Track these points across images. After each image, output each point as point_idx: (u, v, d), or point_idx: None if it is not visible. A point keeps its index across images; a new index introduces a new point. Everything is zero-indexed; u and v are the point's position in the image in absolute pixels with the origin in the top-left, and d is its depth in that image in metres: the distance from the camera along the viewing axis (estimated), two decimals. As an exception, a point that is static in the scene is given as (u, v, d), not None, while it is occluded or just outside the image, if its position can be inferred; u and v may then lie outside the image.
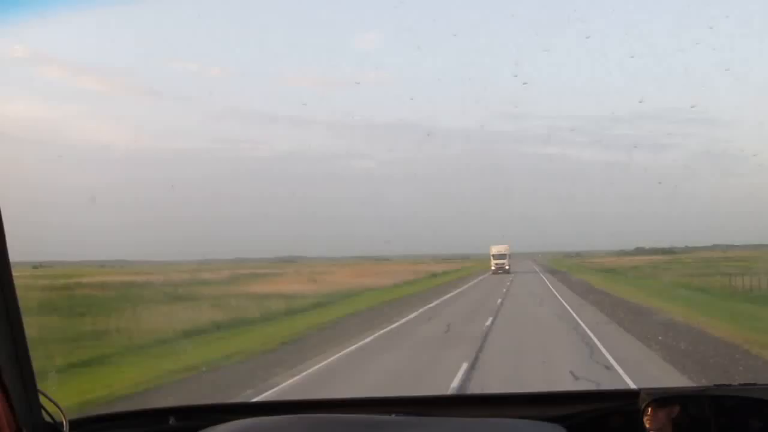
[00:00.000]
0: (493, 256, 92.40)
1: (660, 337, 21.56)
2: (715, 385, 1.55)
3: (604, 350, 19.32)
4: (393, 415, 1.56)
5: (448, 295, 47.03)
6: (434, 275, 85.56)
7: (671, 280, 55.95)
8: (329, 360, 18.83)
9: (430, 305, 38.04)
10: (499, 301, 39.85)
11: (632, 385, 12.94)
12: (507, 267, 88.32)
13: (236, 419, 1.59)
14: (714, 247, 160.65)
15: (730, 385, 1.56)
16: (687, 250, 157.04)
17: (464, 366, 16.76)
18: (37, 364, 2.28)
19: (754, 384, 1.54)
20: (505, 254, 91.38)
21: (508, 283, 60.77)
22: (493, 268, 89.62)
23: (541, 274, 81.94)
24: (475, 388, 14.33)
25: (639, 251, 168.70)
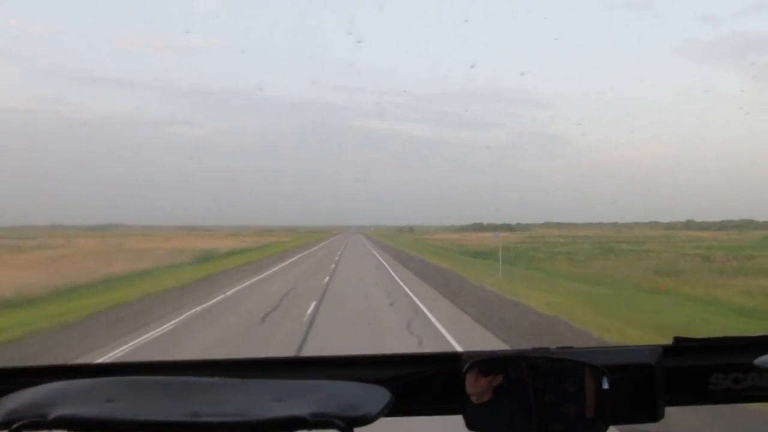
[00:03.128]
0: None
1: None
2: (533, 348, 1.50)
3: None
4: (216, 378, 1.44)
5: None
6: (208, 258, 49.97)
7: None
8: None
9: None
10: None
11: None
12: None
13: (47, 382, 1.40)
14: (546, 225, 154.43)
15: (548, 349, 1.50)
16: (521, 227, 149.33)
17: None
18: None
19: (571, 347, 1.51)
20: None
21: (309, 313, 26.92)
22: None
23: (378, 255, 50.06)
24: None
25: (478, 227, 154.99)
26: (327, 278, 29.50)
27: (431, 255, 52.86)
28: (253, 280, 30.70)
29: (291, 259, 47.38)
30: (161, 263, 40.93)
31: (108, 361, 11.50)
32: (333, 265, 38.56)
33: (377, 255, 52.81)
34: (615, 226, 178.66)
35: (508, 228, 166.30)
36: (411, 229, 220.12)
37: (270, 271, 36.15)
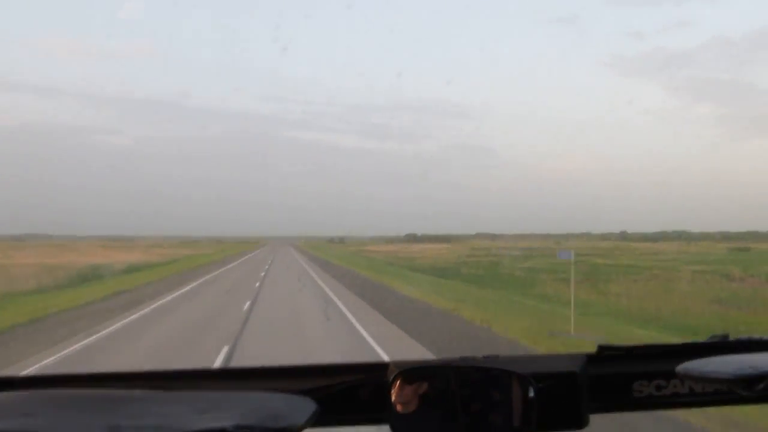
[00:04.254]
0: None
1: None
2: (460, 357, 1.52)
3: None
4: (137, 390, 1.41)
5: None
6: (86, 279, 35.70)
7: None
8: None
9: None
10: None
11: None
12: None
13: None
14: (478, 236, 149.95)
15: (474, 358, 1.53)
16: (456, 238, 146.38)
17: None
18: None
19: (497, 356, 1.54)
20: None
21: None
22: None
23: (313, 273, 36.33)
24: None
25: (411, 238, 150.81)
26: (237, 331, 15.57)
27: (392, 277, 39.15)
28: (115, 326, 16.80)
29: (195, 283, 33.06)
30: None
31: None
32: (248, 304, 24.10)
33: (315, 276, 38.76)
34: (547, 237, 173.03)
35: (444, 239, 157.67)
36: (341, 240, 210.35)
37: (158, 303, 22.21)
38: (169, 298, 25.02)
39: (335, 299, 23.58)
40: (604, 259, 67.62)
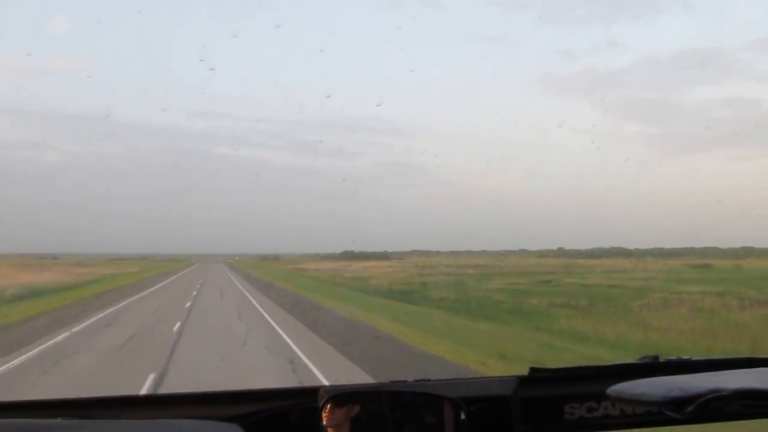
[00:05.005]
0: None
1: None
2: (391, 381, 1.53)
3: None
4: (59, 419, 1.37)
5: None
6: None
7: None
8: None
9: None
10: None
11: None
12: None
13: None
14: (413, 253, 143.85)
15: (405, 382, 1.54)
16: (393, 255, 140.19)
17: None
18: None
19: (428, 380, 1.54)
20: None
21: None
22: None
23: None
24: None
25: (349, 255, 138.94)
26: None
27: (353, 305, 30.27)
28: None
29: (92, 319, 23.53)
30: None
31: None
32: (173, 343, 15.08)
33: (260, 308, 29.61)
34: (484, 254, 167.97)
35: (381, 256, 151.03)
36: (276, 258, 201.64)
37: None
38: (28, 355, 15.63)
39: (302, 356, 14.68)
40: (570, 278, 60.73)
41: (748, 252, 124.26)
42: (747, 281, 47.40)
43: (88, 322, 22.15)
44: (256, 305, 29.43)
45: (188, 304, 29.01)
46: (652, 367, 1.53)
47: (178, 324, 20.35)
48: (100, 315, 24.83)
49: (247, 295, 37.07)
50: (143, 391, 10.54)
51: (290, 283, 50.52)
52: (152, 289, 44.61)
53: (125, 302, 31.99)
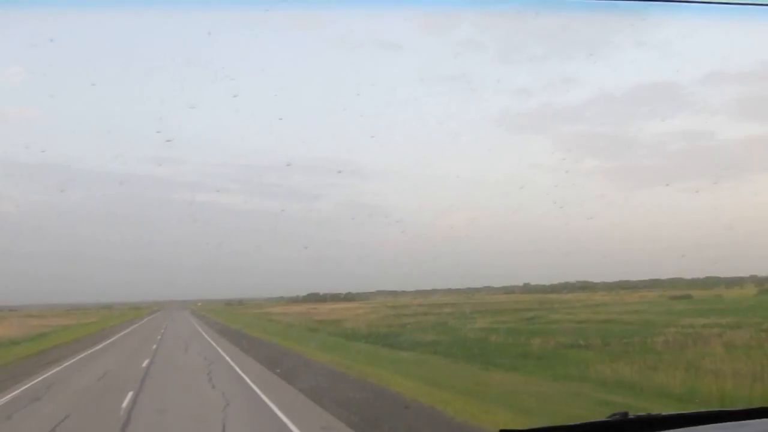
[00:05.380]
0: None
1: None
2: None
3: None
4: None
5: None
6: None
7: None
8: None
9: None
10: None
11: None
12: None
13: None
14: (379, 293, 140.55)
15: None
16: (358, 296, 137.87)
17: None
18: None
19: None
20: None
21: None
22: None
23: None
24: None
25: (312, 297, 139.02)
26: None
27: (332, 353, 25.70)
28: None
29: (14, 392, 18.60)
30: None
31: None
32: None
33: (228, 359, 25.01)
34: (449, 292, 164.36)
35: (347, 298, 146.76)
36: (240, 303, 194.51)
37: None
38: None
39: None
40: (556, 314, 56.99)
41: (713, 282, 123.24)
42: (746, 311, 44.37)
43: (11, 395, 17.13)
44: (230, 362, 24.59)
45: (146, 363, 24.07)
46: (623, 425, 1.48)
47: (129, 396, 15.49)
48: (33, 382, 19.82)
49: (216, 347, 32.12)
50: None
51: (261, 330, 45.60)
52: (107, 342, 39.31)
53: (69, 362, 26.88)
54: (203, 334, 45.70)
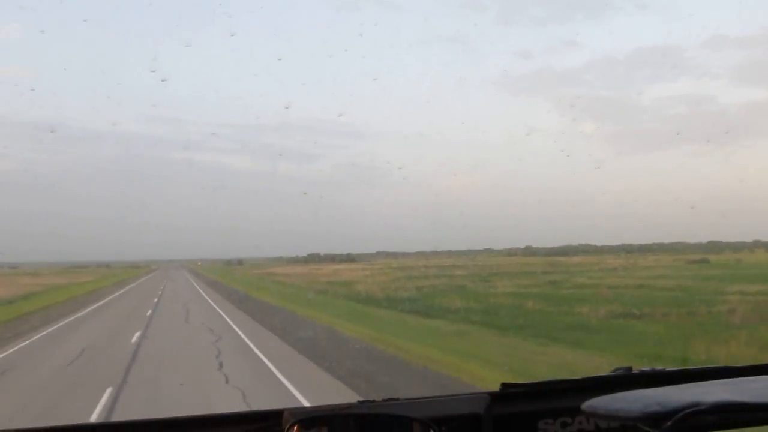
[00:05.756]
0: None
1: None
2: (359, 401, 1.46)
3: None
4: None
5: None
6: None
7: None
8: None
9: None
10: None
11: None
12: None
13: None
14: (379, 254, 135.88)
15: (374, 402, 1.46)
16: (360, 257, 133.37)
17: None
18: None
19: (397, 399, 1.48)
20: None
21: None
22: None
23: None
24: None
25: (313, 258, 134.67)
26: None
27: (372, 326, 21.35)
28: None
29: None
30: None
31: None
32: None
33: (240, 332, 20.65)
34: (450, 254, 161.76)
35: (348, 259, 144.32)
36: (240, 262, 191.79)
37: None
38: None
39: None
40: (580, 278, 53.02)
41: (716, 246, 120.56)
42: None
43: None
44: (243, 337, 20.14)
45: (136, 337, 19.72)
46: (627, 379, 1.47)
47: (105, 396, 11.16)
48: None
49: (224, 316, 27.64)
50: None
51: (269, 293, 41.36)
52: (96, 305, 35.11)
53: (46, 331, 22.56)
54: (206, 297, 41.52)
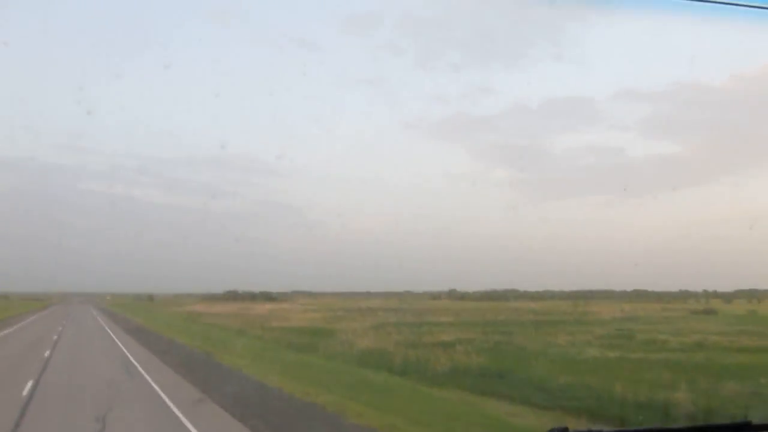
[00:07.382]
0: None
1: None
2: None
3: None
4: None
5: None
6: None
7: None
8: None
9: None
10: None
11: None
12: None
13: None
14: (295, 294, 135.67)
15: None
16: (279, 296, 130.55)
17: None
18: None
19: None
20: None
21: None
22: None
23: None
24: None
25: (231, 295, 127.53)
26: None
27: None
28: None
29: None
30: None
31: None
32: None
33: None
34: (368, 295, 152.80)
35: (267, 297, 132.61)
36: (150, 298, 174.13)
37: None
38: None
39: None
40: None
41: (640, 295, 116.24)
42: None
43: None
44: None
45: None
46: None
47: None
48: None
49: (154, 388, 14.32)
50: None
51: (212, 344, 27.63)
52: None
53: None
54: (126, 353, 27.20)
